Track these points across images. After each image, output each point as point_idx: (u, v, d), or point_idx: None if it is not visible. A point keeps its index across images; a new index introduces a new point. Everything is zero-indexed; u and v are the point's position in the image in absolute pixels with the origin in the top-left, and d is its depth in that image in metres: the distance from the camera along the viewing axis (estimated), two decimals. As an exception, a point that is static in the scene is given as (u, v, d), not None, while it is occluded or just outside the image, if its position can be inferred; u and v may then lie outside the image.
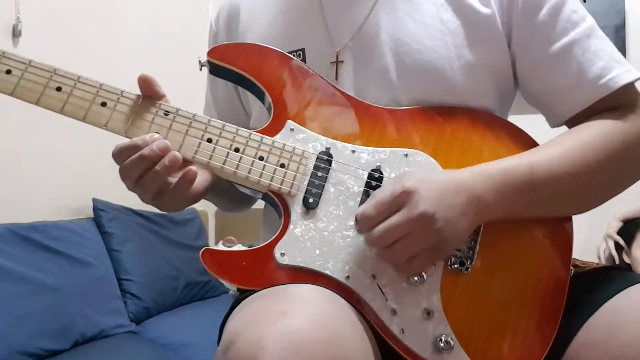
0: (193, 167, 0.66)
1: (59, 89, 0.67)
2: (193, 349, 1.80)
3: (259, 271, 0.65)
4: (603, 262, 1.96)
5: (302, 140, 0.70)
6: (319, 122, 0.72)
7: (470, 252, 0.67)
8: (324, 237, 0.66)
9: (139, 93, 0.69)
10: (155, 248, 2.23)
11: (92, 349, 1.73)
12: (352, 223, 0.67)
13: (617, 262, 1.94)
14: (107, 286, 1.96)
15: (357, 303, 0.64)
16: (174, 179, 0.66)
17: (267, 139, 0.69)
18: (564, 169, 0.67)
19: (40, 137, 1.96)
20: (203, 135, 0.69)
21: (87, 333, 1.77)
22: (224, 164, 0.68)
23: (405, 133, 0.72)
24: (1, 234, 1.71)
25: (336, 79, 0.76)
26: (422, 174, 0.65)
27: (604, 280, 0.67)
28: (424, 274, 0.65)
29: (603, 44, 0.73)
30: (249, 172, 0.68)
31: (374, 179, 0.69)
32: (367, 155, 0.70)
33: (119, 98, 0.68)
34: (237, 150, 0.69)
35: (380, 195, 0.63)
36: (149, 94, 0.69)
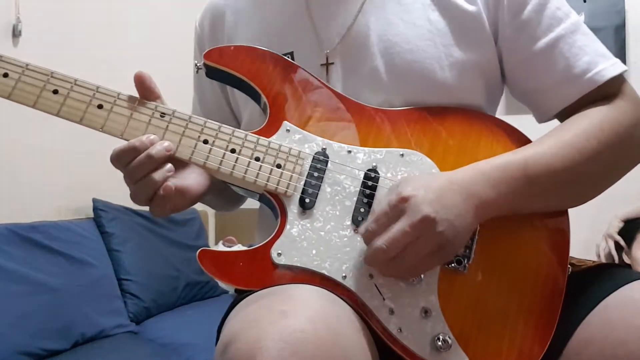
0: (169, 183, 0.66)
1: (55, 91, 0.67)
2: (193, 349, 1.80)
3: (256, 271, 0.65)
4: (602, 260, 1.96)
5: (298, 141, 0.71)
6: (315, 123, 0.72)
7: (467, 251, 0.67)
8: (320, 237, 0.66)
9: (136, 95, 0.70)
10: (155, 248, 2.24)
11: (92, 349, 1.74)
12: (348, 223, 0.67)
13: (617, 261, 1.94)
14: (107, 286, 1.96)
15: (354, 303, 0.64)
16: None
17: (264, 140, 0.70)
18: (558, 161, 0.67)
19: (40, 137, 1.96)
20: (199, 137, 0.69)
21: (87, 333, 1.77)
22: (220, 164, 0.68)
23: (401, 133, 0.72)
24: (1, 234, 1.72)
25: (327, 81, 0.76)
26: (418, 179, 0.65)
27: (599, 278, 0.68)
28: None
29: (588, 39, 0.74)
30: (245, 173, 0.68)
31: (370, 179, 0.69)
32: (363, 156, 0.71)
33: (115, 100, 0.68)
34: (233, 151, 0.69)
35: (379, 208, 0.63)
36: (144, 91, 0.69)
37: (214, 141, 0.69)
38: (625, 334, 0.59)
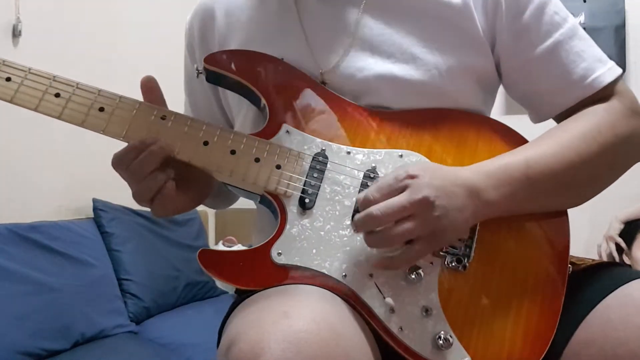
0: (171, 183, 0.67)
1: (57, 95, 0.68)
2: (193, 349, 1.80)
3: (256, 271, 0.65)
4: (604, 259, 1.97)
5: (297, 143, 0.71)
6: (314, 125, 0.72)
7: (468, 250, 0.68)
8: (320, 237, 0.67)
9: (137, 98, 0.70)
10: (155, 248, 2.24)
11: (92, 349, 1.74)
12: (348, 222, 0.67)
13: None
14: (107, 286, 1.96)
15: (355, 302, 0.64)
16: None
17: (263, 142, 0.70)
18: (557, 162, 0.68)
19: (41, 137, 1.96)
20: (200, 139, 0.69)
21: (87, 333, 1.77)
22: (220, 166, 0.69)
23: (400, 134, 0.73)
24: (1, 234, 1.72)
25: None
26: (427, 165, 0.66)
27: (599, 277, 0.68)
28: (421, 271, 0.65)
29: (585, 44, 0.75)
30: (245, 174, 0.69)
31: (370, 179, 0.69)
32: (362, 156, 0.71)
33: (117, 103, 0.69)
34: (233, 152, 0.69)
35: (384, 179, 0.64)
36: (151, 97, 0.70)
37: (214, 143, 0.69)
38: (626, 334, 0.59)
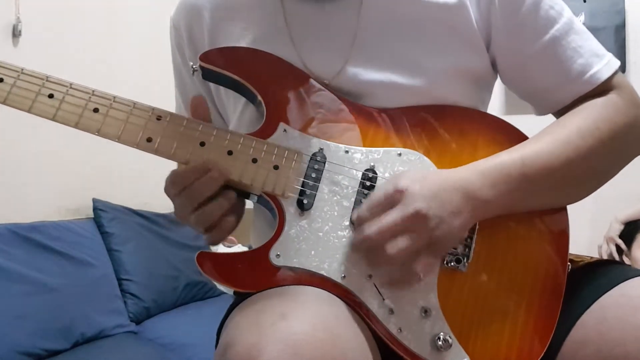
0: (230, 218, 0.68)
1: (51, 96, 0.67)
2: (193, 349, 1.80)
3: (255, 273, 0.65)
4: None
5: (295, 142, 0.70)
6: (312, 124, 0.72)
7: (467, 249, 0.67)
8: (319, 238, 0.66)
9: (137, 98, 0.69)
10: (155, 248, 2.24)
11: (92, 349, 1.74)
12: (347, 223, 0.67)
13: (617, 262, 1.94)
14: (107, 286, 1.96)
15: (354, 303, 0.63)
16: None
17: (260, 142, 0.69)
18: (554, 159, 0.68)
19: (40, 137, 1.96)
20: (196, 139, 0.68)
21: (87, 333, 1.77)
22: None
23: (398, 133, 0.72)
24: (1, 234, 1.72)
25: None
26: (416, 173, 0.65)
27: (595, 276, 0.68)
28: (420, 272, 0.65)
29: (581, 39, 0.74)
30: (242, 175, 0.68)
31: (368, 179, 0.69)
32: (361, 156, 0.70)
33: (111, 104, 0.68)
34: (230, 153, 0.68)
35: (374, 196, 0.64)
36: (196, 114, 0.70)
37: (211, 143, 0.69)
38: (622, 334, 0.59)
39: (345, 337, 0.55)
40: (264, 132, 0.71)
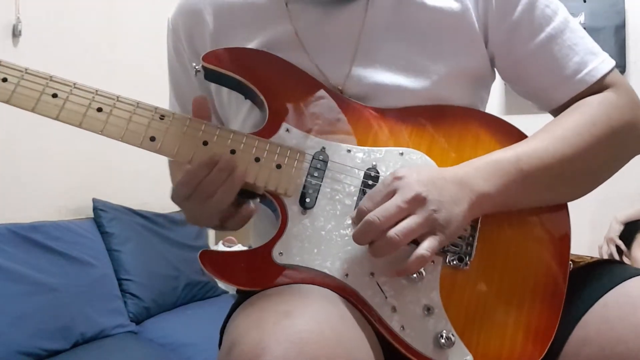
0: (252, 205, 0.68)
1: (54, 95, 0.67)
2: (193, 349, 1.80)
3: (258, 272, 0.65)
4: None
5: (297, 141, 0.71)
6: (315, 124, 0.72)
7: (469, 247, 0.68)
8: (321, 236, 0.67)
9: (138, 98, 0.69)
10: (155, 248, 2.24)
11: (92, 349, 1.74)
12: (349, 222, 0.67)
13: (617, 262, 1.94)
14: (107, 286, 1.96)
15: (356, 301, 0.64)
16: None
17: (263, 141, 0.70)
18: (550, 156, 0.68)
19: (41, 137, 1.96)
20: (199, 138, 0.69)
21: (87, 333, 1.77)
22: None
23: (400, 132, 0.73)
24: (1, 234, 1.72)
25: None
26: (412, 167, 0.66)
27: (597, 276, 0.68)
28: (422, 270, 0.65)
29: (577, 37, 0.75)
30: (245, 174, 0.68)
31: (370, 178, 0.69)
32: (363, 155, 0.71)
33: (114, 103, 0.68)
34: (233, 152, 0.69)
35: (373, 189, 0.64)
36: (198, 114, 0.69)
37: (214, 143, 0.69)
38: (623, 332, 0.59)
39: (350, 336, 0.55)
40: (267, 131, 0.71)
